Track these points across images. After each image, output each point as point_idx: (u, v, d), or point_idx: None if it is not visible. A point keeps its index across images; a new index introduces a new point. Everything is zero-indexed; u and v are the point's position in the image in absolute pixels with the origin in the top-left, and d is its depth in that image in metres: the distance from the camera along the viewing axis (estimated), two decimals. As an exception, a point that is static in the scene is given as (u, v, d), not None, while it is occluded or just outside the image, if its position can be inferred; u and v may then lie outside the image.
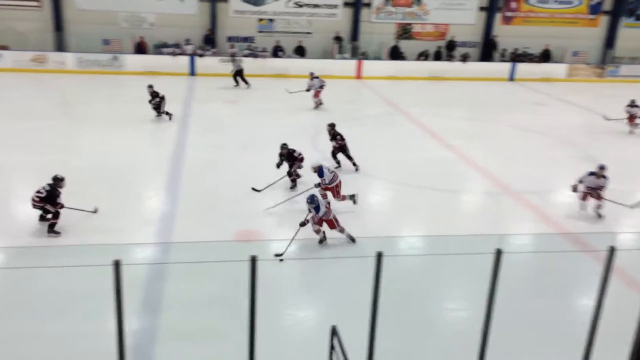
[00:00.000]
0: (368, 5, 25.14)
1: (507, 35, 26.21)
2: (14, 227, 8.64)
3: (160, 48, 22.97)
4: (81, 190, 10.15)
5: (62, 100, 18.53)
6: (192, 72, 22.53)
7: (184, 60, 22.46)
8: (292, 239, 7.95)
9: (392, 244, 8.60)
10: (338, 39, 24.87)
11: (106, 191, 10.26)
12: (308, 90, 17.67)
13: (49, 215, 8.33)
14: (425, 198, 10.73)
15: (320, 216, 8.10)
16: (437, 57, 25.58)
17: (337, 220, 8.32)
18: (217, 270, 6.92)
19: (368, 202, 10.92)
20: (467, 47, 26.18)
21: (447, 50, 25.79)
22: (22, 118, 14.98)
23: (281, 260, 7.72)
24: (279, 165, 10.76)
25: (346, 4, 24.87)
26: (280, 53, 23.93)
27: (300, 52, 24.34)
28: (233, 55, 21.85)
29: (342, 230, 8.35)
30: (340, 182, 9.76)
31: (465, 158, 13.30)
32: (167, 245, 8.28)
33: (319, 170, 9.62)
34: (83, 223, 8.78)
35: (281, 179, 10.51)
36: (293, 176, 10.73)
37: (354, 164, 11.94)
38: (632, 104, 15.95)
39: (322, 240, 8.39)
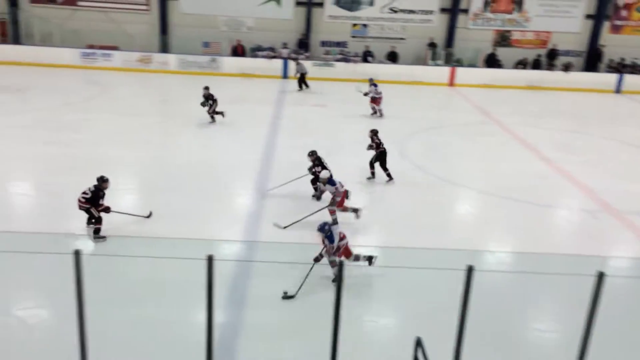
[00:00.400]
0: (465, 11, 24.54)
1: (614, 44, 24.61)
2: (116, 217, 9.17)
3: (256, 51, 23.69)
4: (177, 186, 10.68)
5: (163, 98, 19.58)
6: (285, 75, 23.01)
7: (278, 63, 23.00)
8: (306, 276, 7.02)
9: (480, 258, 8.29)
10: (432, 45, 24.47)
11: (199, 187, 10.68)
12: (366, 94, 17.39)
13: (93, 220, 8.09)
14: (517, 212, 10.26)
15: (336, 246, 7.16)
16: (536, 65, 24.47)
17: (349, 248, 7.38)
18: (301, 271, 7.01)
19: (456, 212, 10.64)
20: (570, 57, 24.86)
21: (548, 59, 24.61)
22: (127, 114, 15.95)
23: (290, 297, 6.92)
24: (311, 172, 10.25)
25: (442, 10, 24.41)
26: (370, 58, 23.90)
27: (392, 57, 24.19)
28: (296, 59, 21.89)
29: (357, 258, 7.45)
30: (345, 191, 9.14)
31: (562, 172, 12.59)
32: (254, 243, 8.47)
33: (329, 180, 9.14)
34: (175, 216, 9.19)
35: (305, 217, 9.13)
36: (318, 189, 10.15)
37: (388, 175, 11.34)
38: None
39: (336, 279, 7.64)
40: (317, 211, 9.25)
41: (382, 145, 11.31)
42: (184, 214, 9.34)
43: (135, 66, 22.72)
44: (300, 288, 6.93)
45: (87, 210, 7.98)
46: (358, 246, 8.46)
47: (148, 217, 8.94)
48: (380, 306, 7.06)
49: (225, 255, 7.91)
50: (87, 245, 7.88)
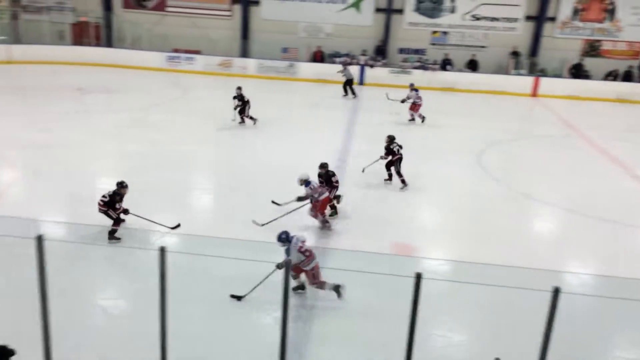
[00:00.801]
0: (552, 19, 23.55)
1: None
2: (201, 216, 9.47)
3: (334, 57, 23.83)
4: (251, 188, 10.89)
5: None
6: (361, 82, 22.99)
7: (355, 70, 23.02)
8: (260, 283, 6.65)
9: (562, 279, 7.86)
10: (515, 54, 23.65)
11: (273, 191, 10.82)
12: (403, 101, 16.90)
13: (111, 222, 8.17)
14: (603, 232, 9.67)
15: (296, 263, 6.66)
16: (628, 77, 23.08)
17: (316, 275, 6.82)
18: (373, 281, 6.92)
19: (536, 228, 10.18)
20: (665, 68, 23.30)
21: (641, 71, 23.18)
22: (206, 116, 16.47)
23: (239, 299, 6.74)
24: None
25: (528, 18, 23.55)
26: (448, 66, 23.43)
27: (472, 66, 23.59)
28: (345, 64, 21.50)
29: (321, 286, 6.84)
30: (327, 198, 9.09)
31: (655, 192, 11.78)
32: (326, 250, 8.47)
33: (307, 183, 8.94)
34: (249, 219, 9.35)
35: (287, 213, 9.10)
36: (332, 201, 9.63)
37: (403, 181, 11.18)
38: None
39: (298, 288, 7.05)
40: (294, 210, 9.17)
41: (400, 151, 11.20)
42: (256, 217, 9.48)
43: (216, 70, 23.46)
44: (251, 291, 6.68)
45: (105, 213, 8.13)
46: (434, 259, 8.28)
47: (174, 228, 8.47)
48: (455, 323, 6.85)
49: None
50: (170, 242, 8.16)
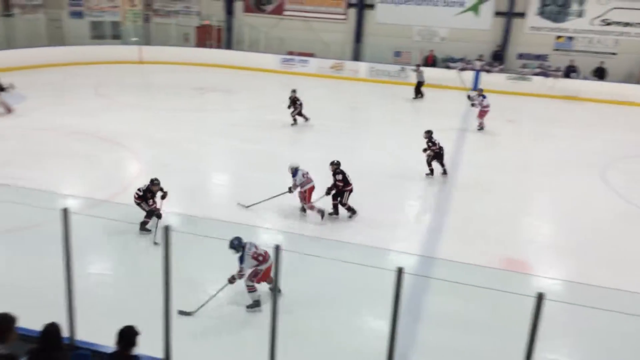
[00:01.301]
0: (696, 24, 21.33)
1: None
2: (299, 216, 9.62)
3: (447, 62, 23.26)
4: (358, 191, 10.87)
5: (351, 105, 20.17)
6: (475, 88, 22.19)
7: (469, 75, 22.31)
8: (213, 296, 6.47)
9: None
10: (649, 61, 21.69)
11: (377, 194, 10.75)
12: (473, 105, 15.99)
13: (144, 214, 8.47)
14: None
15: (247, 269, 6.42)
16: None
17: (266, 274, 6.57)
18: (478, 295, 6.62)
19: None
20: None
21: None
22: (316, 118, 16.72)
23: (187, 314, 6.41)
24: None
25: (666, 23, 21.52)
26: (573, 74, 21.95)
27: (599, 74, 21.93)
28: (418, 66, 20.95)
29: (271, 281, 6.46)
30: (312, 188, 9.39)
31: None
32: (432, 259, 8.26)
33: (294, 172, 9.38)
34: (357, 222, 9.34)
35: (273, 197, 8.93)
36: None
37: (444, 171, 11.82)
38: None
39: (254, 305, 6.58)
40: (278, 195, 9.45)
41: (438, 145, 11.67)
42: (362, 220, 9.47)
43: (328, 73, 23.80)
44: (202, 306, 6.41)
45: (139, 205, 8.48)
46: (548, 278, 7.78)
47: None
48: (570, 348, 6.38)
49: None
50: (278, 239, 8.36)
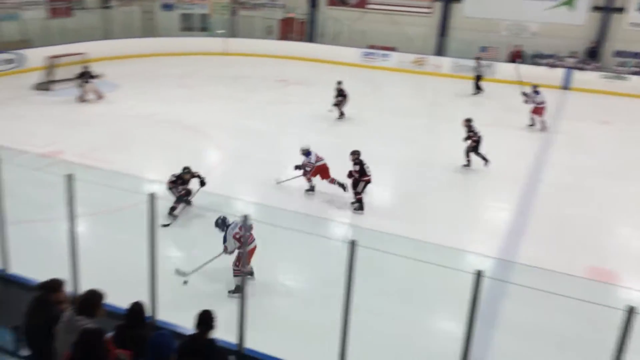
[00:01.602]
0: None
1: None
2: (385, 211, 9.52)
3: (536, 58, 22.21)
4: (433, 188, 10.65)
5: (432, 101, 19.75)
6: (566, 86, 21.09)
7: (559, 72, 21.20)
8: (205, 264, 6.75)
9: None
10: None
11: (459, 193, 10.47)
12: (526, 102, 15.07)
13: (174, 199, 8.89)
14: None
15: (231, 249, 6.58)
16: None
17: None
18: (560, 304, 6.27)
19: None
20: None
21: None
22: (395, 114, 16.51)
23: (185, 282, 6.73)
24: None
25: None
26: (678, 74, 20.33)
27: None
28: (478, 58, 20.10)
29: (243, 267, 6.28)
30: (322, 167, 10.00)
31: None
32: (511, 264, 7.93)
33: (307, 153, 10.04)
34: (431, 220, 9.14)
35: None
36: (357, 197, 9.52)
37: (484, 159, 11.61)
38: None
39: (236, 291, 6.50)
40: (297, 177, 10.07)
41: (478, 134, 11.56)
42: (437, 218, 9.26)
43: (409, 67, 23.40)
44: (195, 271, 6.74)
45: (170, 190, 8.84)
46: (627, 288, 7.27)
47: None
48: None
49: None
50: (354, 235, 8.34)
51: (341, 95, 15.37)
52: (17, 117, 14.12)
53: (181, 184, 8.92)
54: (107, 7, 24.18)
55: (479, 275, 3.81)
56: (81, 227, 6.94)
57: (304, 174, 10.09)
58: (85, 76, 15.80)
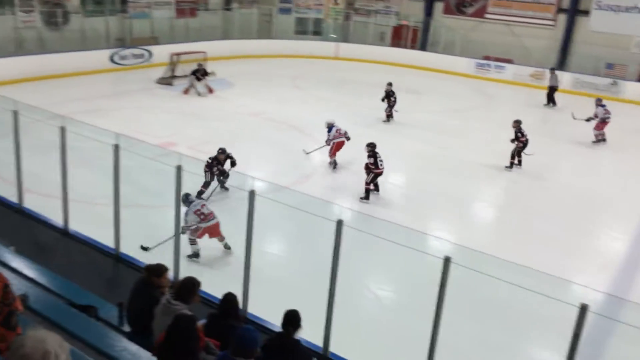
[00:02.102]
0: None
1: None
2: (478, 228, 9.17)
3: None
4: (549, 211, 10.05)
5: (546, 118, 18.67)
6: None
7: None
8: (165, 240, 6.93)
9: None
10: None
11: (571, 216, 9.83)
12: (589, 120, 14.46)
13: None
14: None
15: (193, 225, 7.26)
16: None
17: (213, 233, 7.50)
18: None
19: None
20: None
21: None
22: (505, 127, 15.77)
23: (145, 249, 7.25)
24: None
25: None
26: None
27: None
28: (553, 69, 19.47)
29: (222, 239, 7.60)
30: (341, 142, 11.45)
31: None
32: (624, 301, 7.26)
33: (330, 127, 11.56)
34: (534, 242, 8.62)
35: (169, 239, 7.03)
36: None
37: (519, 162, 12.12)
38: None
39: (194, 256, 7.40)
40: (319, 147, 11.49)
41: (526, 136, 11.91)
42: (545, 241, 8.72)
43: (525, 81, 22.34)
44: (157, 245, 7.06)
45: (205, 173, 9.31)
46: None
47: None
48: None
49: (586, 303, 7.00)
50: (449, 251, 8.07)
51: (390, 98, 15.47)
52: (141, 108, 15.22)
53: (216, 164, 9.46)
54: (228, 9, 25.42)
55: (583, 310, 3.51)
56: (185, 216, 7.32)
57: (328, 145, 11.56)
58: (199, 72, 16.94)
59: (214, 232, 7.47)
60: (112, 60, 19.64)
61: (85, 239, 7.07)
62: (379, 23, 26.58)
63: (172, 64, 18.31)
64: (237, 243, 5.72)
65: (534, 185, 11.57)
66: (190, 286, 4.30)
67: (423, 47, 25.73)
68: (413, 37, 26.20)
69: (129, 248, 6.88)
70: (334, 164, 11.51)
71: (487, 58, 23.60)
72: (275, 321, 4.65)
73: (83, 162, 8.96)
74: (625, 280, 7.90)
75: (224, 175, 9.51)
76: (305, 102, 17.10)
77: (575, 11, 22.42)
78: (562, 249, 8.65)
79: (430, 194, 10.74)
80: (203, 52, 18.88)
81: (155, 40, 21.89)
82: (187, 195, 7.27)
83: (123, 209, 6.80)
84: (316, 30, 26.95)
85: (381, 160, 9.94)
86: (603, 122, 14.45)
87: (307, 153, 11.89)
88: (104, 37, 20.64)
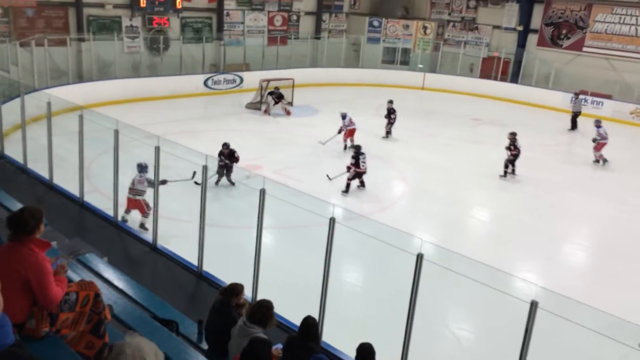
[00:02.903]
0: None
1: None
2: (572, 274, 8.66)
3: None
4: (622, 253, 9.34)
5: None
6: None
7: None
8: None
9: None
10: None
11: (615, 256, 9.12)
12: (594, 140, 14.99)
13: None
14: None
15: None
16: None
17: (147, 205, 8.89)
18: None
19: None
20: None
21: None
22: (605, 168, 14.92)
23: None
24: None
25: None
26: None
27: None
28: (577, 94, 19.88)
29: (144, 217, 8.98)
30: (353, 130, 14.38)
31: None
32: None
33: (343, 116, 14.40)
34: (615, 285, 7.99)
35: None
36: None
37: (513, 172, 13.19)
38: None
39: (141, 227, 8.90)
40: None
41: (519, 148, 13.08)
42: (632, 290, 8.07)
43: (626, 118, 21.04)
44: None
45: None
46: None
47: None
48: None
49: None
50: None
51: (390, 116, 16.00)
52: (230, 131, 15.80)
53: (220, 156, 10.76)
54: (317, 38, 26.03)
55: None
56: (266, 238, 7.45)
57: (340, 132, 14.27)
58: (274, 94, 18.38)
59: (139, 207, 8.98)
60: (205, 84, 20.65)
61: (172, 255, 7.36)
62: (468, 54, 26.17)
63: (261, 89, 18.96)
64: (314, 269, 5.72)
65: (629, 229, 10.78)
66: (264, 310, 4.30)
67: (514, 80, 24.98)
68: (504, 68, 25.51)
69: (211, 266, 7.08)
70: (346, 147, 14.06)
71: (583, 92, 22.48)
72: (349, 352, 4.58)
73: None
74: None
75: (227, 168, 10.89)
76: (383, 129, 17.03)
77: (683, 45, 21.00)
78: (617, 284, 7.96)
79: (518, 232, 10.29)
80: (291, 78, 19.40)
81: (247, 67, 22.82)
82: (141, 165, 8.92)
83: (207, 228, 7.02)
84: (403, 60, 26.95)
85: (364, 162, 11.51)
86: (599, 143, 15.08)
87: (331, 179, 12.22)
88: (200, 62, 21.79)
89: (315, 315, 5.53)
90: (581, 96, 20.23)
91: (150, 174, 8.37)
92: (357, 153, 11.59)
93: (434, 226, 10.37)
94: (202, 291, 6.76)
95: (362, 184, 11.74)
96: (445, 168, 13.68)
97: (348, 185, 11.57)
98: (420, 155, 14.79)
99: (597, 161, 15.15)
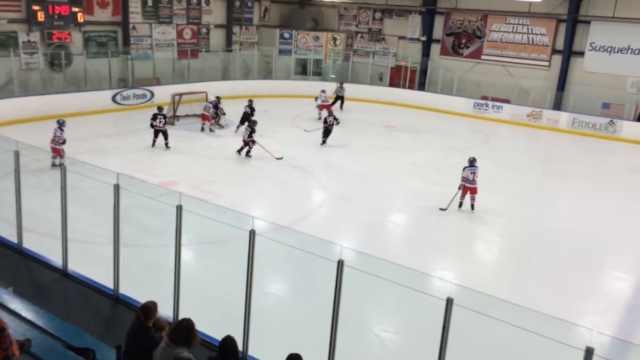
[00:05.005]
0: None
1: None
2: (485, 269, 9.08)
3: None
4: (549, 251, 9.99)
5: (546, 157, 18.81)
6: None
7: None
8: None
9: None
10: None
11: (568, 256, 9.75)
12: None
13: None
14: None
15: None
16: None
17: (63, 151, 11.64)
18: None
19: None
20: None
21: None
22: (504, 167, 15.87)
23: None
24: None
25: None
26: None
27: None
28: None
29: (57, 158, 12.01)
30: (327, 106, 19.03)
31: None
32: (629, 344, 7.14)
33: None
34: (533, 283, 8.54)
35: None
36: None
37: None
38: None
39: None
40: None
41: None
42: (546, 282, 8.63)
43: (523, 120, 22.56)
44: None
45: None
46: None
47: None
48: None
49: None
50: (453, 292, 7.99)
51: (248, 115, 17.15)
52: (143, 148, 15.30)
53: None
54: (229, 51, 25.87)
55: (588, 353, 3.45)
56: (187, 255, 7.27)
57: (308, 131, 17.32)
58: (218, 108, 18.43)
59: (58, 153, 11.87)
60: (114, 100, 19.88)
61: (85, 280, 6.99)
62: (377, 64, 27.03)
63: (174, 103, 18.52)
64: (236, 283, 5.66)
65: (532, 227, 11.52)
66: (185, 330, 4.15)
67: (421, 87, 26.08)
68: (411, 77, 26.58)
69: (128, 288, 6.80)
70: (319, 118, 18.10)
71: (484, 98, 23.90)
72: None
73: (84, 201, 8.96)
74: (633, 323, 7.78)
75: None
76: (304, 141, 17.20)
77: (570, 52, 22.83)
78: (564, 290, 8.56)
79: (432, 232, 10.72)
80: (204, 92, 19.12)
81: (157, 81, 22.22)
82: (59, 121, 12.32)
83: (123, 248, 6.75)
84: (316, 71, 27.37)
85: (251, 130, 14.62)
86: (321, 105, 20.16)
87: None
88: (106, 78, 20.96)
89: (240, 329, 5.47)
90: None
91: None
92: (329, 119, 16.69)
93: (355, 232, 10.56)
94: (119, 315, 6.47)
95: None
96: (363, 175, 14.00)
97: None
98: (339, 163, 15.05)
99: (321, 119, 19.09)
